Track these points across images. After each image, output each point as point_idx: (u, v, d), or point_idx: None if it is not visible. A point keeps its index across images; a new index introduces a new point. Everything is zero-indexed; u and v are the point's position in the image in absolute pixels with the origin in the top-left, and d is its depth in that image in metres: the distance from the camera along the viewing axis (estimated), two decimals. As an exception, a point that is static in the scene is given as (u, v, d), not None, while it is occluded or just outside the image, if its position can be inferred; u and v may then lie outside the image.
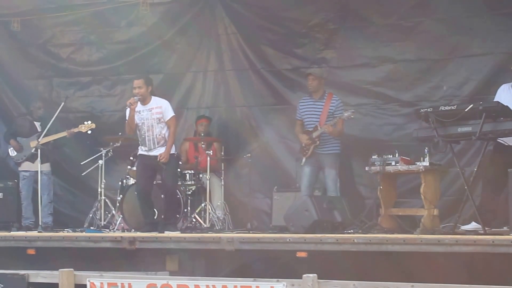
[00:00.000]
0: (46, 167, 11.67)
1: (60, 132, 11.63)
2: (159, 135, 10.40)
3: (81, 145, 12.22)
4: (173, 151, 10.53)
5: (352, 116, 10.39)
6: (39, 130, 12.01)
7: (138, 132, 10.49)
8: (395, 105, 11.17)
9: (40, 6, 12.45)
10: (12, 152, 12.08)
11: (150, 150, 10.43)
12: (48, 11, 12.52)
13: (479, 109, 8.56)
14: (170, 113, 10.48)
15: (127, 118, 10.48)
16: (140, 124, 10.43)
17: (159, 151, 10.39)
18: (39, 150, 11.21)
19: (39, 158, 11.23)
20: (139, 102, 10.39)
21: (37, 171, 11.64)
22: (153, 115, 10.41)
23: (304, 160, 10.59)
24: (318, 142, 10.48)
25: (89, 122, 11.67)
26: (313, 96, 10.71)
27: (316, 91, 10.68)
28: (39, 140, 11.31)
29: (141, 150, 10.55)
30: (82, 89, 12.89)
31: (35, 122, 12.15)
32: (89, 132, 11.63)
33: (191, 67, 12.38)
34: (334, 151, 10.54)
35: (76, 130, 11.70)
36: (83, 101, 12.85)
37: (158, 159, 10.33)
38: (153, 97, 10.50)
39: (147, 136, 10.41)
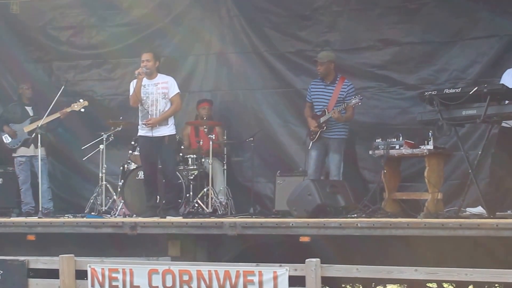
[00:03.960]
0: (41, 151, 11.49)
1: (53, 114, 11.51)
2: (162, 111, 10.39)
3: (82, 129, 12.17)
4: (173, 132, 10.50)
5: (359, 103, 10.29)
6: (31, 114, 11.92)
7: (140, 106, 10.48)
8: (400, 88, 11.08)
9: (40, -12, 12.38)
10: (6, 139, 11.94)
11: (150, 129, 10.38)
12: (48, -7, 12.45)
13: (484, 91, 8.53)
14: (175, 89, 10.52)
15: (132, 92, 10.41)
16: (144, 98, 10.44)
17: (159, 131, 10.35)
18: (39, 136, 11.11)
19: (39, 143, 11.17)
20: (145, 77, 10.40)
21: (32, 156, 11.60)
22: (159, 90, 10.44)
23: (311, 144, 10.52)
24: (325, 127, 10.40)
25: (82, 100, 11.62)
26: (324, 80, 10.58)
27: (327, 76, 10.55)
28: (39, 125, 11.22)
29: (141, 131, 10.48)
30: (82, 72, 12.77)
31: (26, 107, 12.04)
32: (82, 110, 11.57)
33: (193, 50, 12.26)
34: (340, 136, 10.46)
35: (69, 109, 11.63)
36: (83, 85, 12.74)
37: (147, 125, 10.33)
38: (159, 74, 10.56)
39: (150, 110, 10.40)
